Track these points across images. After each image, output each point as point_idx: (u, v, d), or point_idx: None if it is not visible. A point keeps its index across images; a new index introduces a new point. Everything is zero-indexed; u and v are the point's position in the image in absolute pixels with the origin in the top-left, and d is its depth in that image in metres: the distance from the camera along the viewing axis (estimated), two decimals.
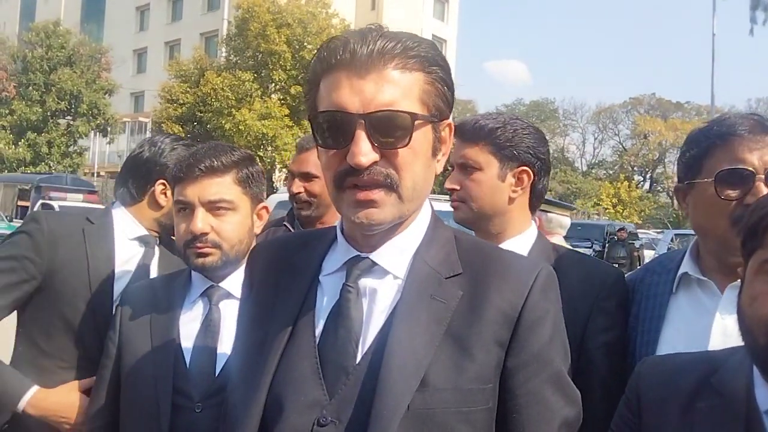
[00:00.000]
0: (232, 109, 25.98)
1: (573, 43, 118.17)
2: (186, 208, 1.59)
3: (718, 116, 1.54)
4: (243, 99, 26.29)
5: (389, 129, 0.96)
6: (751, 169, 1.37)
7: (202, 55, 30.07)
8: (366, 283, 1.06)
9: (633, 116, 59.60)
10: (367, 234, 1.04)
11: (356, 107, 0.96)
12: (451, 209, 1.75)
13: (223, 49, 30.04)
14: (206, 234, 1.56)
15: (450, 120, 1.07)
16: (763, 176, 1.37)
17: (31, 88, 29.65)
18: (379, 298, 1.05)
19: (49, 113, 29.73)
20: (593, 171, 59.83)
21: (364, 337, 1.03)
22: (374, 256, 1.06)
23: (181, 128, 27.81)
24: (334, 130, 0.98)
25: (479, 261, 1.07)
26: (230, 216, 1.59)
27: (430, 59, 1.01)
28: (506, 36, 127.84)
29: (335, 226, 1.15)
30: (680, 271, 1.51)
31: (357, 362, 1.02)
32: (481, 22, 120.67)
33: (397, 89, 0.97)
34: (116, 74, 34.35)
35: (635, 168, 56.70)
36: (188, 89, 27.92)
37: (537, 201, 1.76)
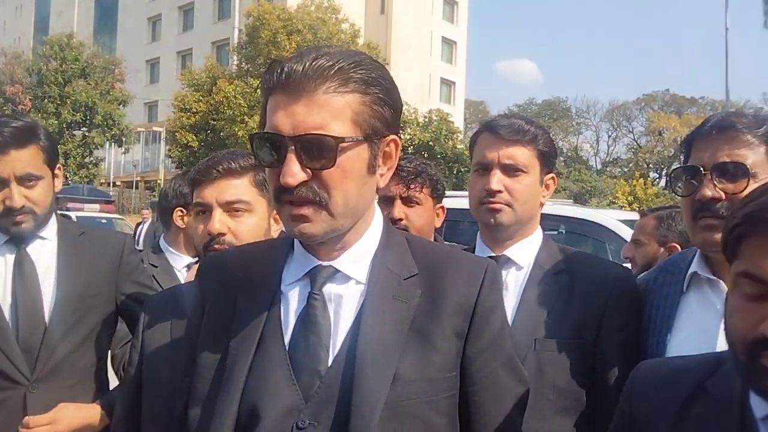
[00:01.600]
0: (245, 116, 26.18)
1: (584, 41, 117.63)
2: (204, 210, 1.61)
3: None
4: (255, 106, 26.45)
5: (315, 151, 1.01)
6: (697, 165, 1.40)
7: (213, 64, 30.36)
8: (330, 289, 1.11)
9: (647, 113, 59.15)
10: (314, 244, 1.10)
11: (287, 130, 1.01)
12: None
13: (235, 57, 30.31)
14: (223, 235, 1.57)
15: (393, 136, 1.11)
16: (709, 173, 1.38)
17: (46, 100, 30.09)
18: (345, 303, 1.10)
19: (64, 125, 30.14)
20: (608, 169, 59.43)
21: (333, 341, 1.08)
22: (336, 263, 1.11)
23: (194, 137, 28.08)
24: (269, 150, 1.04)
25: (432, 261, 1.15)
26: (247, 217, 1.61)
27: (367, 80, 1.04)
28: (516, 36, 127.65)
29: (285, 239, 1.20)
30: (690, 271, 1.50)
31: (329, 365, 1.06)
32: (491, 23, 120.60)
33: (327, 112, 1.01)
34: (130, 85, 34.75)
35: (650, 165, 56.25)
36: (201, 98, 28.18)
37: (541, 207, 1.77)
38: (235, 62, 30.20)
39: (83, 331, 1.86)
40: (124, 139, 32.53)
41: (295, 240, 1.15)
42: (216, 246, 1.57)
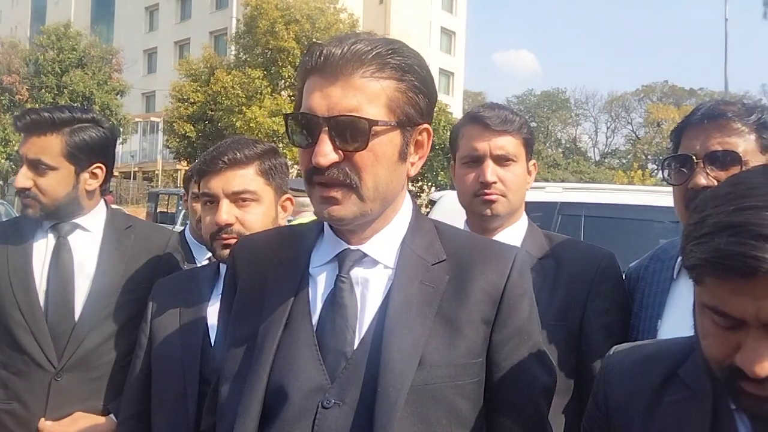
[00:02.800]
0: (243, 107, 26.06)
1: (582, 33, 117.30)
2: (211, 201, 1.62)
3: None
4: (253, 96, 26.36)
5: (349, 133, 1.02)
6: (689, 153, 1.40)
7: (211, 54, 30.19)
8: (358, 273, 1.12)
9: (646, 104, 59.08)
10: (340, 228, 1.11)
11: (322, 110, 1.02)
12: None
13: (233, 47, 30.13)
14: (231, 225, 1.59)
15: (426, 125, 1.12)
16: (701, 160, 1.38)
17: (43, 90, 29.93)
18: (372, 286, 1.11)
19: None
20: (606, 160, 59.39)
21: (360, 323, 1.09)
22: (364, 247, 1.13)
23: (192, 127, 27.96)
24: (302, 130, 1.05)
25: (461, 247, 1.16)
26: (254, 207, 1.62)
27: (403, 68, 1.05)
28: (514, 26, 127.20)
29: (318, 223, 1.21)
30: (680, 257, 1.50)
31: (355, 347, 1.07)
32: (490, 13, 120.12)
33: (363, 96, 1.02)
34: (127, 75, 34.58)
35: (649, 156, 56.21)
36: (199, 88, 28.04)
37: None
38: (233, 52, 30.04)
39: (115, 325, 1.86)
40: (121, 129, 32.39)
41: (325, 224, 1.17)
42: (224, 236, 1.60)
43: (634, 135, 60.04)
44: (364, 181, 1.05)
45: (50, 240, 1.87)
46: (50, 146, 1.80)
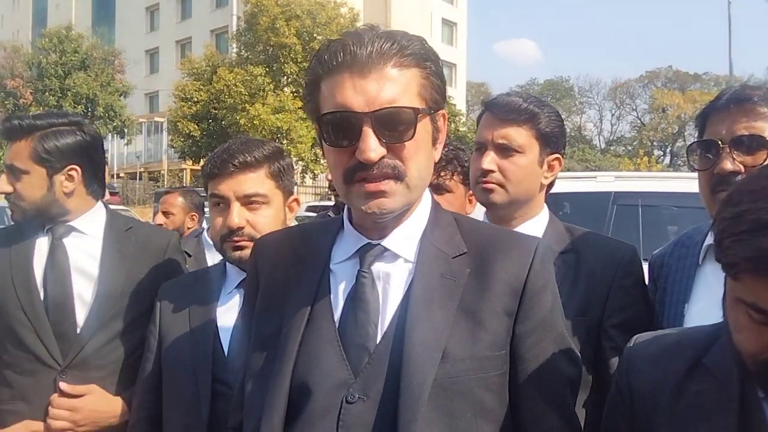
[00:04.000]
0: (246, 105, 26.06)
1: (584, 20, 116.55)
2: (221, 203, 1.63)
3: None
4: (256, 94, 26.35)
5: (394, 124, 1.02)
6: (715, 138, 1.39)
7: (213, 52, 30.16)
8: (379, 267, 1.12)
9: (650, 90, 58.71)
10: (378, 222, 1.11)
11: (361, 106, 1.01)
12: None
13: (234, 45, 30.12)
14: (242, 228, 1.60)
15: (444, 110, 1.13)
16: (727, 145, 1.37)
17: (47, 93, 30.01)
18: (393, 281, 1.12)
19: None
20: (612, 148, 59.11)
21: (382, 318, 1.09)
22: (385, 242, 1.13)
23: (196, 126, 27.99)
24: (341, 129, 1.04)
25: (481, 240, 1.15)
26: (264, 209, 1.63)
27: (423, 55, 1.07)
28: (515, 16, 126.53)
29: (337, 218, 1.21)
30: (705, 243, 1.50)
31: (378, 342, 1.08)
32: (490, 3, 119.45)
33: (398, 86, 1.03)
34: (130, 75, 34.65)
35: (654, 143, 55.92)
36: (201, 87, 28.05)
37: (551, 187, 1.74)
38: (235, 50, 30.03)
39: (119, 325, 1.89)
40: (126, 130, 32.49)
41: (345, 219, 1.17)
42: (235, 239, 1.61)
43: (639, 121, 59.69)
44: (409, 170, 1.05)
45: (47, 242, 1.92)
46: (20, 151, 1.86)
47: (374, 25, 1.10)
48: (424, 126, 1.07)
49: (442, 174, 2.02)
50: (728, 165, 1.37)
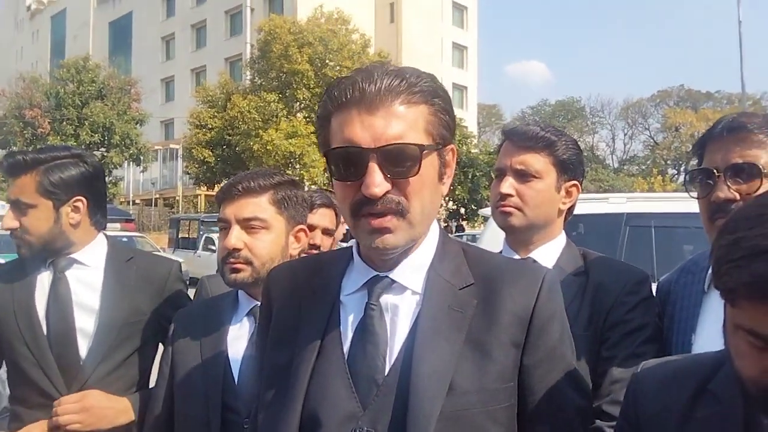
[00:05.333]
0: (260, 130, 26.38)
1: (593, 41, 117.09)
2: (225, 227, 1.67)
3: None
4: (269, 119, 26.68)
5: (400, 160, 1.04)
6: (711, 167, 1.40)
7: (227, 80, 30.66)
8: (387, 300, 1.13)
9: (662, 109, 58.66)
10: (383, 257, 1.12)
11: (367, 142, 1.03)
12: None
13: (248, 73, 30.58)
14: (239, 250, 1.63)
15: (452, 144, 1.15)
16: (722, 174, 1.38)
17: (64, 123, 30.57)
18: (401, 313, 1.12)
19: (83, 146, 30.55)
20: (625, 167, 58.90)
21: (390, 350, 1.10)
22: (393, 275, 1.13)
23: (210, 152, 28.35)
24: (348, 163, 1.06)
25: (488, 270, 1.15)
26: (263, 234, 1.66)
27: (431, 92, 1.09)
28: (525, 38, 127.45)
29: (348, 248, 1.22)
30: (710, 270, 1.49)
31: (386, 374, 1.08)
32: (500, 27, 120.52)
33: (405, 123, 1.05)
34: (146, 104, 35.21)
35: (668, 162, 55.67)
36: (216, 114, 28.47)
37: (570, 213, 1.78)
38: (248, 77, 30.47)
39: (122, 355, 1.90)
40: (142, 157, 32.92)
41: (354, 251, 1.19)
42: (232, 260, 1.63)
43: (652, 140, 59.55)
44: (413, 207, 1.06)
45: (49, 276, 1.93)
46: (26, 185, 1.88)
47: (385, 62, 1.13)
48: (430, 162, 1.08)
49: None
50: (723, 193, 1.38)
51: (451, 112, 1.13)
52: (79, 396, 1.81)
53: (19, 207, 1.88)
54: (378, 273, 1.14)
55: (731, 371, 0.94)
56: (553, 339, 1.12)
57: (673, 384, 1.07)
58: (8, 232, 1.90)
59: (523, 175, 1.67)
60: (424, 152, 1.05)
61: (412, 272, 1.14)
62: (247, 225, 1.65)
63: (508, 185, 1.67)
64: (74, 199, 1.93)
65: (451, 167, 1.15)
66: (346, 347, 1.12)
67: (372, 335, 1.10)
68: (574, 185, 1.73)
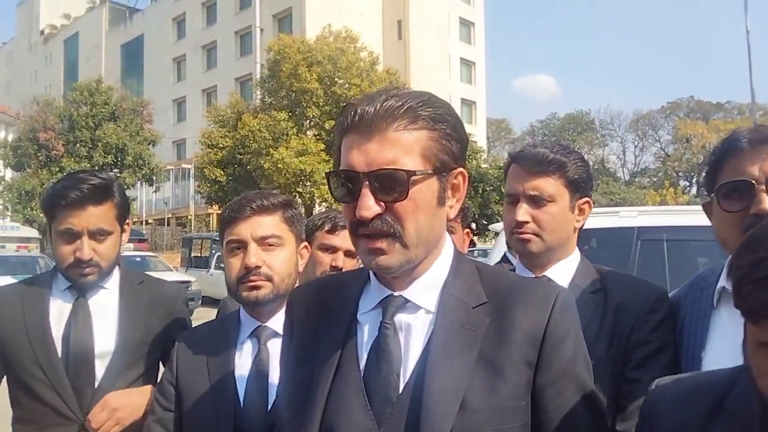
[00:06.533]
0: (270, 149, 26.52)
1: (600, 53, 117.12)
2: (239, 247, 1.69)
3: (729, 133, 1.53)
4: (280, 138, 26.83)
5: (389, 185, 1.07)
6: (749, 179, 1.39)
7: (238, 99, 30.93)
8: (401, 318, 1.15)
9: (673, 121, 58.42)
10: (386, 276, 1.15)
11: (362, 166, 1.07)
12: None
13: (258, 92, 30.82)
14: (260, 267, 1.66)
15: (461, 169, 1.16)
16: (764, 186, 1.37)
17: (78, 144, 30.86)
18: (414, 332, 1.14)
19: (96, 167, 30.77)
20: (636, 180, 58.61)
21: (404, 368, 1.12)
22: (406, 294, 1.16)
23: (222, 171, 28.52)
24: (345, 186, 1.11)
25: (502, 289, 1.16)
26: (279, 251, 1.70)
27: (434, 117, 1.10)
28: (532, 52, 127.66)
29: (365, 268, 1.25)
30: (719, 285, 1.50)
31: (400, 392, 1.10)
32: (507, 41, 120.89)
33: (399, 148, 1.07)
34: (158, 124, 35.54)
35: (680, 173, 55.34)
36: (227, 133, 28.68)
37: (582, 227, 1.78)
38: (259, 96, 30.72)
39: (135, 375, 1.94)
40: (154, 177, 33.16)
41: (371, 271, 1.21)
42: (253, 278, 1.65)
43: (663, 152, 59.25)
44: (406, 230, 1.08)
45: (68, 298, 1.95)
46: (107, 212, 1.90)
47: (392, 87, 1.17)
48: (427, 186, 1.09)
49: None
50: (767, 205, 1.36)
51: (459, 138, 1.13)
52: (101, 405, 1.83)
53: (101, 235, 1.89)
54: (392, 292, 1.16)
55: (747, 388, 0.95)
56: (566, 358, 1.12)
57: (689, 401, 1.07)
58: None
59: (538, 201, 1.66)
60: (414, 178, 1.07)
61: (426, 291, 1.15)
62: (264, 242, 1.68)
63: (524, 212, 1.66)
64: (127, 221, 2.00)
65: (460, 191, 1.16)
66: (362, 365, 1.14)
67: (386, 353, 1.12)
68: (587, 202, 1.73)
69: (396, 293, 1.16)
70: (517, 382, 1.08)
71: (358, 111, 1.09)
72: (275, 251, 1.69)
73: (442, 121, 1.11)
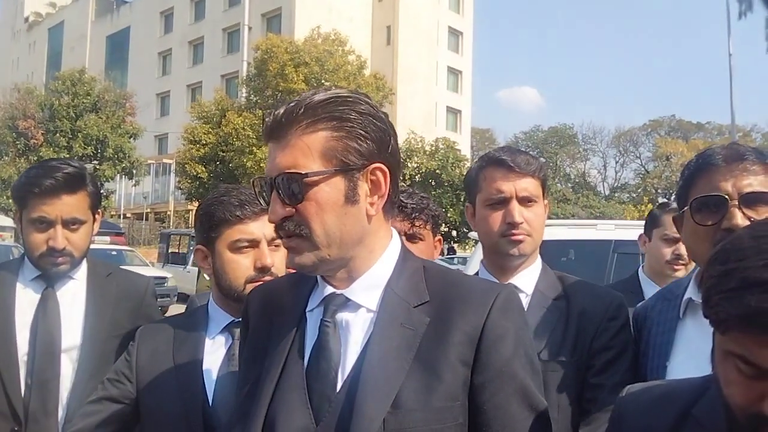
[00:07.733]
0: (254, 147, 26.44)
1: (585, 68, 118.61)
2: (249, 246, 1.66)
3: (703, 149, 1.57)
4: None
5: (288, 188, 1.10)
6: (723, 194, 1.41)
7: (223, 97, 30.76)
8: (342, 317, 1.15)
9: (653, 138, 59.31)
10: (326, 276, 1.17)
11: (270, 172, 1.13)
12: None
13: (244, 90, 30.73)
14: (270, 267, 1.65)
15: (378, 164, 1.14)
16: (736, 201, 1.40)
17: (58, 134, 30.52)
18: (354, 330, 1.14)
19: (75, 158, 30.46)
20: (616, 195, 59.32)
21: (342, 367, 1.12)
22: (347, 292, 1.16)
23: (204, 168, 28.33)
24: (263, 191, 1.16)
25: (445, 288, 1.16)
26: (282, 251, 1.66)
27: (338, 117, 1.11)
28: (518, 64, 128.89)
29: None
30: (685, 297, 1.53)
31: (337, 390, 1.10)
32: (494, 52, 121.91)
33: (297, 151, 1.10)
34: (140, 118, 35.24)
35: (659, 190, 56.12)
36: (210, 130, 28.52)
37: None
38: (244, 95, 30.62)
39: (102, 371, 1.86)
40: (134, 171, 32.89)
41: None
42: (265, 279, 1.61)
43: (643, 169, 60.10)
44: (313, 230, 1.10)
45: (37, 287, 1.90)
46: (81, 201, 1.86)
47: (311, 90, 1.17)
48: (329, 186, 1.10)
49: (417, 224, 2.07)
50: (741, 221, 1.38)
51: (368, 135, 1.12)
52: None
53: (74, 224, 1.86)
54: (334, 290, 1.16)
55: (715, 397, 0.95)
56: (503, 358, 1.10)
57: (657, 408, 1.07)
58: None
59: (528, 201, 1.68)
60: (310, 179, 1.08)
61: (367, 290, 1.15)
62: (272, 243, 1.66)
63: (519, 212, 1.66)
64: (99, 210, 1.96)
65: (381, 187, 1.14)
66: (305, 362, 1.14)
67: (326, 351, 1.12)
68: (546, 203, 1.77)
69: (338, 291, 1.16)
70: (453, 382, 1.08)
71: (268, 118, 1.13)
72: (280, 251, 1.66)
73: (347, 120, 1.11)
